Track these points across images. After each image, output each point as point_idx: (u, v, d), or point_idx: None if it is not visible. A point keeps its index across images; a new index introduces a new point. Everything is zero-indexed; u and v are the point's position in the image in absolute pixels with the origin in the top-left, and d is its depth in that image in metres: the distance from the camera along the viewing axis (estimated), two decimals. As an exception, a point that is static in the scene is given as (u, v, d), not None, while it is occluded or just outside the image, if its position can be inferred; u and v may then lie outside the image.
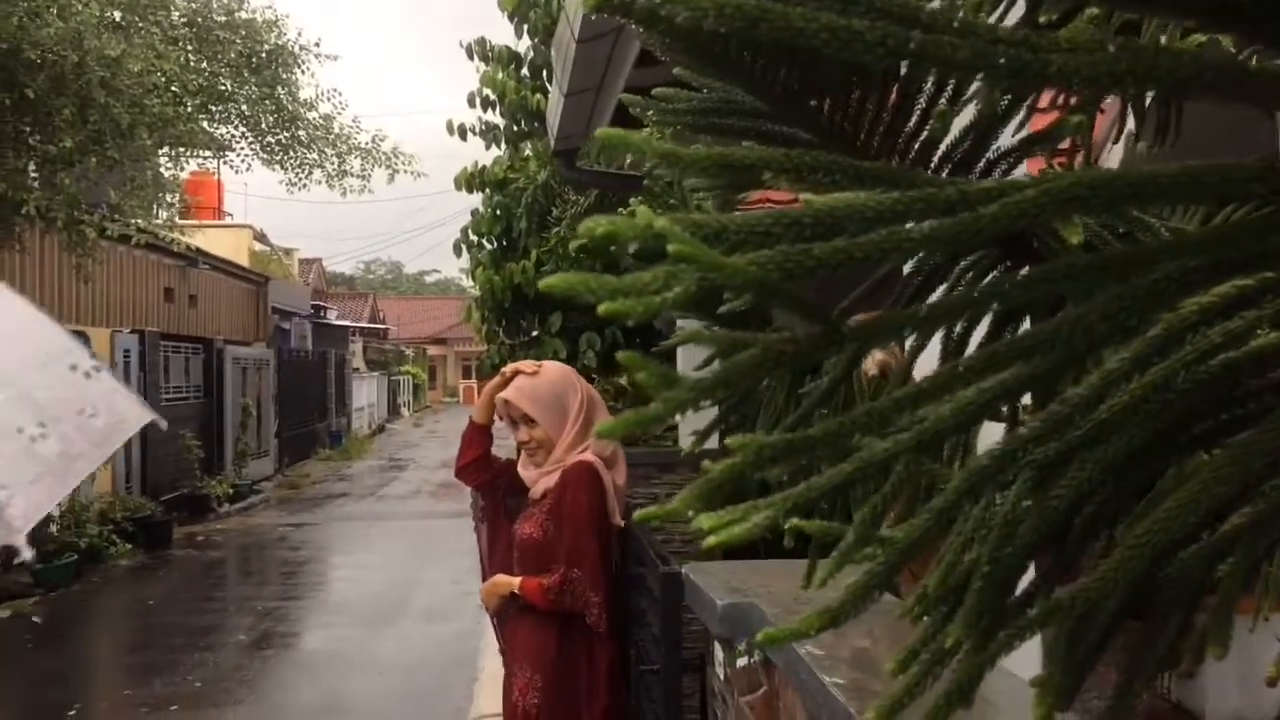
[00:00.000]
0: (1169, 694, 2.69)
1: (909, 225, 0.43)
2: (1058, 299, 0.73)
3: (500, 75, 8.68)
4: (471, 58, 8.97)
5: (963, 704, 0.55)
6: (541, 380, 3.37)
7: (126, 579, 11.80)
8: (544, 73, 8.49)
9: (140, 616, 10.29)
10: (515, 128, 8.91)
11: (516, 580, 3.27)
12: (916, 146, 0.83)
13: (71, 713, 7.30)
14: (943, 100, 0.78)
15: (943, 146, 0.80)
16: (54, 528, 11.65)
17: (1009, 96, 0.73)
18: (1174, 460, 0.53)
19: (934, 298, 0.81)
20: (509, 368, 3.51)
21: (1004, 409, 0.70)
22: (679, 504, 0.55)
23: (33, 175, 9.53)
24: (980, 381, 0.48)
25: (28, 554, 1.70)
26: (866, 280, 0.81)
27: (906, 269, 0.84)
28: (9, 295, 2.25)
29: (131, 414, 2.06)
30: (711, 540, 0.56)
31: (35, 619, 10.09)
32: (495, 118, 9.03)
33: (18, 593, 10.67)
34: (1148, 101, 1.20)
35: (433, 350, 54.87)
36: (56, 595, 10.79)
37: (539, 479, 3.34)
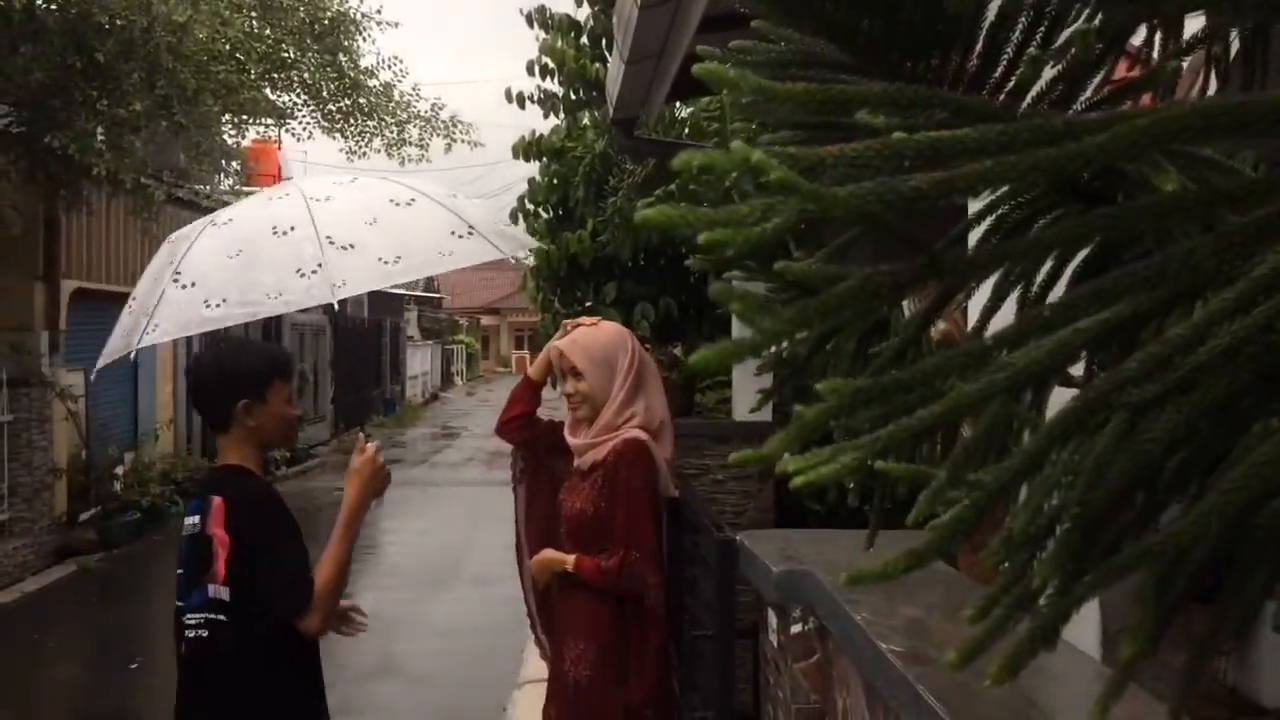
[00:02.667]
0: (1225, 678, 2.65)
1: (1012, 157, 0.43)
2: (1145, 251, 0.72)
3: (559, 43, 8.64)
4: (531, 25, 8.94)
5: (1046, 645, 0.54)
6: (596, 336, 3.34)
7: (187, 537, 12.05)
8: (603, 41, 8.44)
9: (200, 574, 10.50)
10: (573, 96, 8.87)
11: (570, 558, 3.22)
12: (1002, 98, 0.81)
13: (134, 666, 7.50)
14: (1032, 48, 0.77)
15: (1029, 97, 0.79)
16: (119, 486, 11.94)
17: (1102, 44, 0.72)
18: (1272, 406, 0.52)
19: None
20: (570, 322, 3.47)
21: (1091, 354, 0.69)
22: (770, 448, 0.55)
23: (101, 139, 9.67)
24: (1078, 321, 0.47)
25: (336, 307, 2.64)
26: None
27: (985, 226, 0.83)
28: (353, 182, 3.29)
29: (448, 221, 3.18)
30: (798, 481, 0.56)
31: (100, 574, 10.36)
32: (554, 86, 9.00)
33: (83, 549, 10.96)
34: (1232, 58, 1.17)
35: (486, 320, 55.18)
36: (120, 552, 11.07)
37: (587, 450, 3.28)
